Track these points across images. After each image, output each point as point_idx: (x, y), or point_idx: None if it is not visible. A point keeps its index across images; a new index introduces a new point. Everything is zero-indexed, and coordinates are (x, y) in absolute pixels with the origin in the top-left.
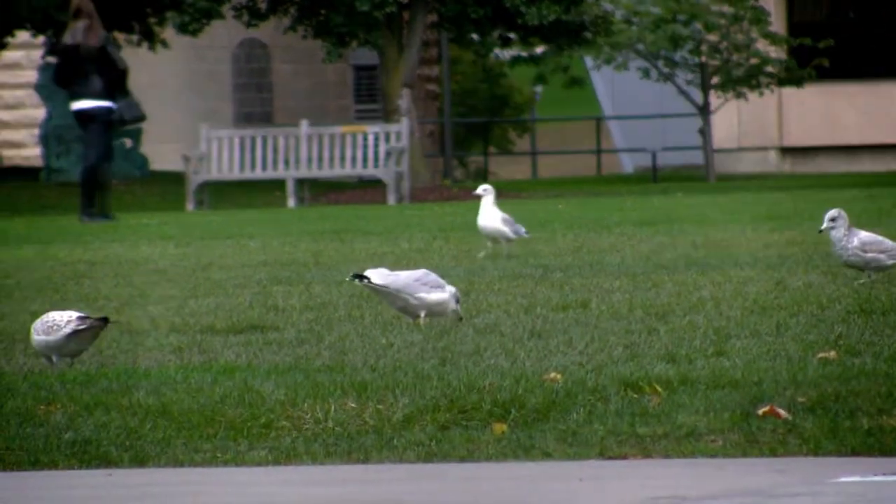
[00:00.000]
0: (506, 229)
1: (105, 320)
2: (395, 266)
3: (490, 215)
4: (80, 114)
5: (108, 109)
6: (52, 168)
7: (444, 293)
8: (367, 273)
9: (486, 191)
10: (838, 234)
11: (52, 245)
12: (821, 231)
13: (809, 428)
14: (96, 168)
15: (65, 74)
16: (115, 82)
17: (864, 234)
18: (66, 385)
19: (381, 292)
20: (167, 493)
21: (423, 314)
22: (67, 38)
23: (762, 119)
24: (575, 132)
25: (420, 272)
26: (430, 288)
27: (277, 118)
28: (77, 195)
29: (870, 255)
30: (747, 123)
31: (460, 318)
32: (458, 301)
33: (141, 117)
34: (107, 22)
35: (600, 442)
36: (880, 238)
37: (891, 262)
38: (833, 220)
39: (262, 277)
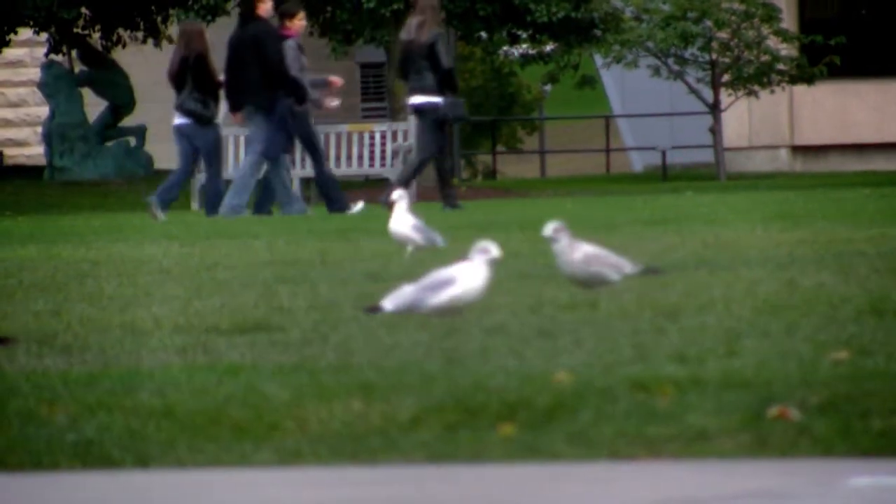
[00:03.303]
0: (415, 236)
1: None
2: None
3: (401, 221)
4: (413, 108)
5: (436, 106)
6: (55, 167)
7: (454, 289)
8: (383, 303)
9: (400, 197)
10: (561, 246)
11: (56, 244)
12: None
13: (821, 429)
14: (426, 162)
15: (402, 69)
16: (441, 80)
17: (589, 248)
18: (69, 386)
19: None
20: (171, 494)
21: (454, 312)
22: (403, 34)
23: (773, 117)
24: (584, 130)
25: (426, 278)
26: (435, 292)
27: None
28: (80, 194)
29: (594, 268)
30: (758, 122)
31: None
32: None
33: (463, 117)
34: (112, 19)
35: (609, 443)
36: (605, 252)
37: (615, 276)
38: (556, 231)
39: (267, 277)
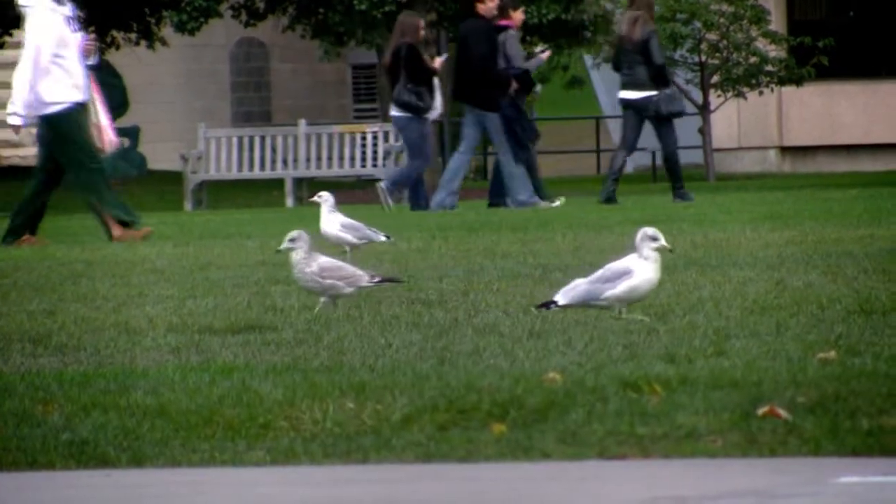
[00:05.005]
0: (346, 236)
1: None
2: (399, 262)
3: (329, 222)
4: (623, 103)
5: (647, 100)
6: None
7: (631, 279)
8: (556, 297)
9: (320, 198)
10: (298, 256)
11: (50, 244)
12: (279, 251)
13: (809, 428)
14: (626, 156)
15: (615, 63)
16: (653, 76)
17: (325, 260)
18: (64, 385)
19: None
20: (165, 493)
21: (623, 309)
22: (618, 28)
23: (762, 118)
24: (574, 131)
25: (599, 272)
26: (611, 284)
27: (276, 117)
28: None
29: (328, 281)
30: (747, 123)
31: (670, 250)
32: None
33: (678, 112)
34: (105, 20)
35: (599, 442)
36: (341, 264)
37: (349, 289)
38: (293, 240)
39: (260, 277)
